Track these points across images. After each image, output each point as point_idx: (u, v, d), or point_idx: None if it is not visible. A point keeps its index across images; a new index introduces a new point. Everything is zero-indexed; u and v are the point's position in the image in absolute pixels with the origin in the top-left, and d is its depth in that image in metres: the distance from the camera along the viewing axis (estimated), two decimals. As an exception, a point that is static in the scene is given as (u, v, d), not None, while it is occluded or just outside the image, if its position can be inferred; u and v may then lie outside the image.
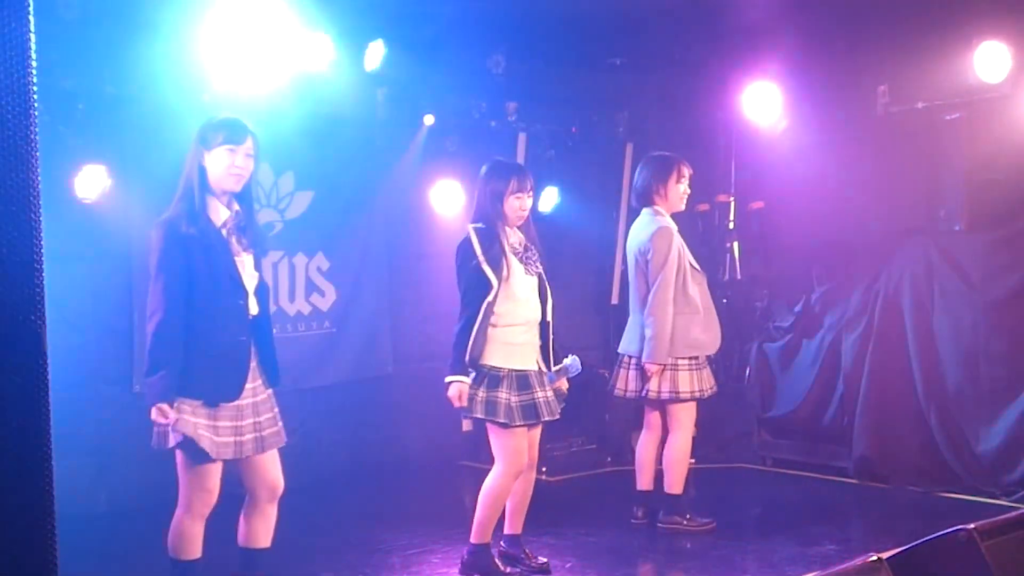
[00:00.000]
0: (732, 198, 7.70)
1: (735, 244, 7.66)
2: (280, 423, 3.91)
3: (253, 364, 3.82)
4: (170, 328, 3.64)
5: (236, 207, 3.84)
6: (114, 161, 5.63)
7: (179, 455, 3.74)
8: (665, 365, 5.38)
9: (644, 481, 5.65)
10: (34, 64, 1.17)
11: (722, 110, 7.47)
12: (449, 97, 6.90)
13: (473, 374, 4.52)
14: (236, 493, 3.95)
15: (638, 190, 5.61)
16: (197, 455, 3.69)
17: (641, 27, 6.78)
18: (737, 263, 7.65)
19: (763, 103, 7.02)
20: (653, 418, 5.62)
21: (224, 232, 3.78)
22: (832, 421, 6.89)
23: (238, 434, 3.74)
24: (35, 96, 1.17)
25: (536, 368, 4.64)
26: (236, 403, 3.74)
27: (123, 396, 5.78)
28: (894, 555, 2.52)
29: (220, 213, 3.79)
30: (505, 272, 4.54)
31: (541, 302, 4.67)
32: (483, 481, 4.66)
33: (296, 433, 3.96)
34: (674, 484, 5.51)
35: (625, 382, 5.56)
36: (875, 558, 2.46)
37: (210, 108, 5.25)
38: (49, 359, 1.18)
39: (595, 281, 8.18)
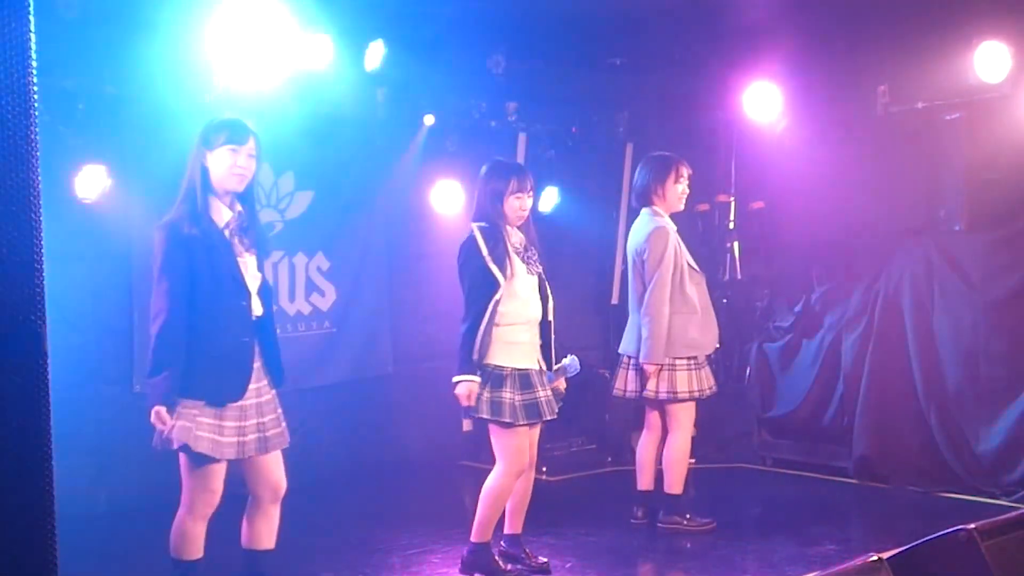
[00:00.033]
0: (732, 198, 7.70)
1: (735, 244, 7.66)
2: (284, 424, 3.91)
3: (257, 365, 3.83)
4: (173, 330, 3.64)
5: (239, 208, 3.84)
6: (114, 161, 5.63)
7: (182, 456, 3.75)
8: (662, 365, 5.38)
9: (644, 481, 5.65)
10: (34, 64, 1.17)
11: (722, 110, 7.47)
12: (449, 97, 6.90)
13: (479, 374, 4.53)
14: (239, 494, 3.95)
15: (637, 190, 5.62)
16: (198, 457, 3.70)
17: (641, 27, 6.78)
18: (737, 263, 7.65)
19: (763, 103, 7.02)
20: (653, 418, 5.62)
21: (227, 233, 3.78)
22: (832, 421, 6.89)
23: (241, 434, 3.74)
24: (35, 96, 1.17)
25: (538, 367, 4.65)
26: (240, 403, 3.74)
27: (123, 396, 5.78)
28: (894, 555, 2.52)
29: (223, 214, 3.79)
30: (509, 271, 4.55)
31: (542, 302, 4.68)
32: (483, 481, 4.66)
33: (296, 433, 3.96)
34: (674, 484, 5.51)
35: (624, 382, 5.56)
36: (875, 558, 2.46)
37: (210, 108, 5.26)
38: (49, 359, 1.18)
39: (595, 281, 8.18)
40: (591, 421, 7.52)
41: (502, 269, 4.53)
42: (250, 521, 3.93)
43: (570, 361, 4.79)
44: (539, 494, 4.98)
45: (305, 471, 5.52)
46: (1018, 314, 6.04)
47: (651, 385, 5.41)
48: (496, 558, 4.71)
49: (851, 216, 6.89)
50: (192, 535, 3.79)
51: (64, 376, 2.62)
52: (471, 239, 4.60)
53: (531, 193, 4.71)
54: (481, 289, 4.52)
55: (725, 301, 7.41)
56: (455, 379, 4.51)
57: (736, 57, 6.95)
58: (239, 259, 3.79)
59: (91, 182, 5.55)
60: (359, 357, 7.04)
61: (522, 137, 7.38)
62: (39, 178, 1.17)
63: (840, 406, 6.84)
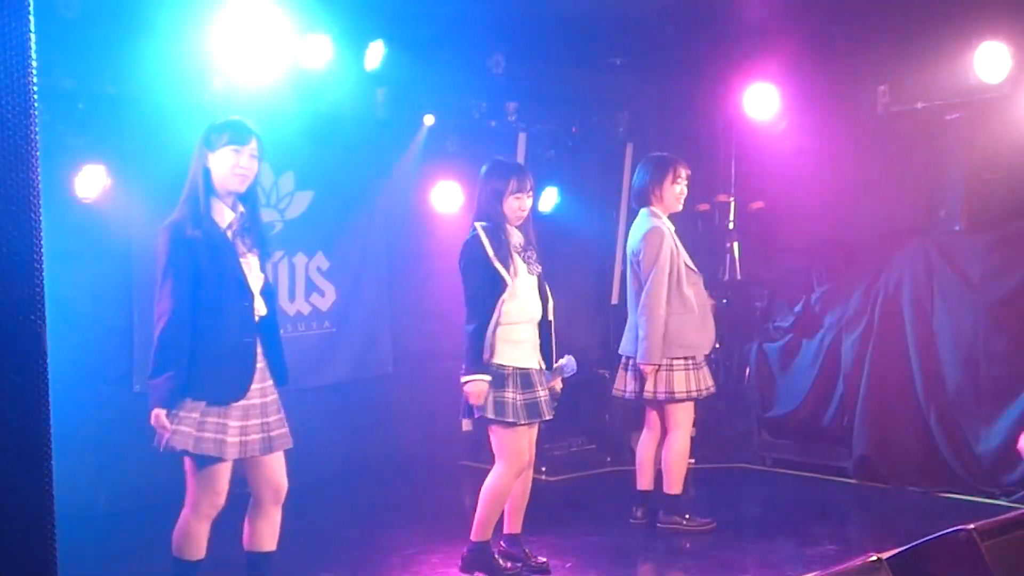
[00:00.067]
0: (732, 198, 7.70)
1: (735, 244, 7.66)
2: (287, 426, 3.91)
3: (261, 365, 3.82)
4: (176, 331, 3.64)
5: (241, 208, 3.84)
6: (114, 161, 5.63)
7: (186, 457, 3.75)
8: (659, 365, 5.38)
9: (644, 481, 5.65)
10: (34, 64, 1.16)
11: (722, 110, 7.47)
12: (449, 97, 6.90)
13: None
14: (241, 494, 3.95)
15: (635, 191, 5.64)
16: (202, 458, 3.70)
17: (641, 27, 6.78)
18: (737, 263, 7.65)
19: (763, 103, 7.02)
20: (653, 418, 5.62)
21: (229, 234, 3.78)
22: (832, 421, 6.89)
23: (244, 434, 3.74)
24: (35, 96, 1.17)
25: (538, 367, 4.66)
26: (245, 403, 3.73)
27: (123, 396, 5.78)
28: (894, 555, 2.52)
29: (225, 215, 3.79)
30: (512, 270, 4.55)
31: (542, 301, 4.69)
32: (483, 481, 4.66)
33: (296, 433, 3.96)
34: (673, 484, 5.51)
35: (624, 383, 5.57)
36: (875, 558, 2.46)
37: (210, 108, 5.26)
38: (49, 359, 1.18)
39: (595, 281, 8.18)
40: (591, 421, 7.52)
41: (507, 268, 4.54)
42: (252, 523, 3.93)
43: (566, 361, 4.79)
44: (539, 494, 4.98)
45: (305, 471, 5.52)
46: (1018, 314, 6.04)
47: (649, 385, 5.41)
48: (496, 557, 4.72)
49: (851, 216, 6.89)
50: (195, 535, 3.78)
51: (64, 376, 2.61)
52: (475, 239, 4.59)
53: (531, 193, 4.71)
54: (488, 288, 4.52)
55: (725, 301, 7.41)
56: (465, 379, 4.50)
57: (736, 57, 6.95)
58: (242, 260, 3.79)
59: (91, 182, 5.55)
60: (359, 357, 7.04)
61: (522, 137, 7.38)
62: (39, 178, 1.17)
63: (840, 406, 6.84)
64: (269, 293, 3.93)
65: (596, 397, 7.25)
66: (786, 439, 7.25)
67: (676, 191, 5.52)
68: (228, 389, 3.71)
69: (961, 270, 6.31)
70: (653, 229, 5.41)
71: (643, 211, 5.55)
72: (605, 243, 8.01)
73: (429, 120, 6.87)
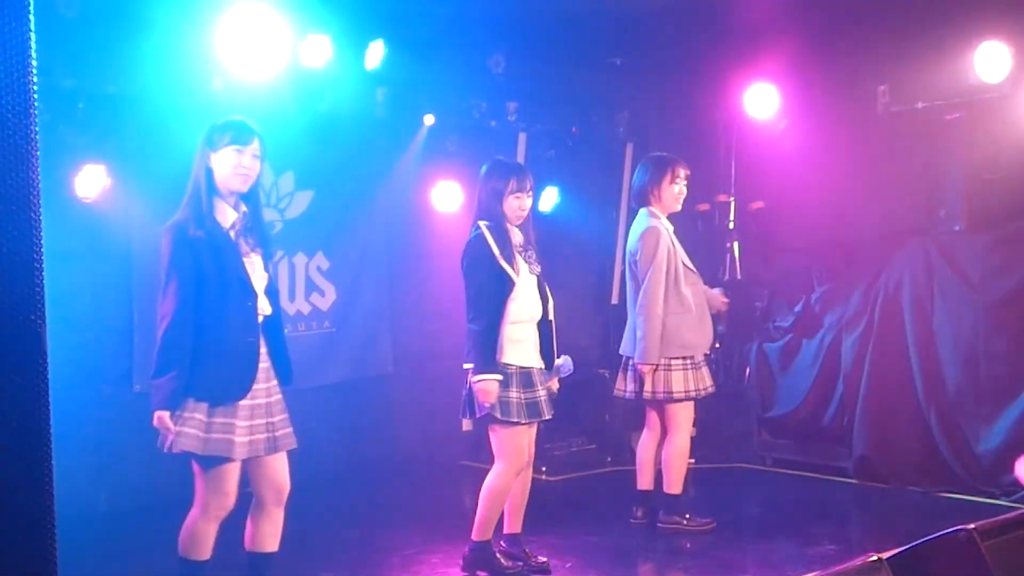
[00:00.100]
0: (732, 198, 7.70)
1: (735, 244, 7.66)
2: (291, 426, 3.91)
3: (266, 365, 3.82)
4: (179, 332, 3.64)
5: (243, 208, 3.84)
6: (114, 161, 5.64)
7: (194, 459, 3.75)
8: (657, 365, 5.38)
9: (644, 481, 5.65)
10: (34, 64, 1.16)
11: (722, 110, 7.47)
12: (449, 97, 6.90)
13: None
14: (242, 494, 3.94)
15: (635, 191, 5.65)
16: (210, 459, 3.70)
17: (641, 27, 6.78)
18: (737, 263, 7.65)
19: (763, 103, 7.02)
20: (653, 418, 5.62)
21: (232, 234, 3.78)
22: (832, 421, 6.89)
23: (251, 433, 3.73)
24: (35, 96, 1.17)
25: (539, 366, 4.66)
26: (251, 403, 3.73)
27: (123, 396, 5.78)
28: (894, 555, 2.52)
29: (227, 215, 3.79)
30: (515, 269, 4.55)
31: (542, 301, 4.69)
32: (483, 481, 4.67)
33: (296, 433, 3.95)
34: (673, 484, 5.51)
35: (624, 383, 5.57)
36: (875, 558, 2.46)
37: (210, 108, 5.26)
38: (49, 359, 1.18)
39: (595, 281, 8.18)
40: (591, 421, 7.52)
41: (512, 267, 4.54)
42: (254, 523, 3.92)
43: (563, 361, 4.79)
44: (539, 494, 4.98)
45: (305, 471, 5.51)
46: (1018, 314, 6.04)
47: (648, 385, 5.41)
48: (497, 556, 4.72)
49: (851, 216, 6.89)
50: (203, 536, 3.78)
51: (64, 376, 2.61)
52: (479, 237, 4.59)
53: (531, 193, 4.72)
54: (494, 287, 4.52)
55: (725, 301, 7.40)
56: (477, 378, 4.49)
57: (736, 57, 6.95)
58: (245, 259, 3.79)
59: (91, 181, 5.55)
60: (359, 357, 7.04)
61: (522, 137, 7.38)
62: (39, 178, 1.17)
63: (840, 406, 6.84)
64: (273, 293, 3.93)
65: (596, 397, 7.26)
66: (786, 439, 7.25)
67: (675, 191, 5.52)
68: (230, 389, 3.71)
69: (961, 270, 6.31)
70: (650, 228, 5.41)
71: (642, 211, 5.55)
72: (605, 243, 8.01)
73: (429, 120, 6.87)
